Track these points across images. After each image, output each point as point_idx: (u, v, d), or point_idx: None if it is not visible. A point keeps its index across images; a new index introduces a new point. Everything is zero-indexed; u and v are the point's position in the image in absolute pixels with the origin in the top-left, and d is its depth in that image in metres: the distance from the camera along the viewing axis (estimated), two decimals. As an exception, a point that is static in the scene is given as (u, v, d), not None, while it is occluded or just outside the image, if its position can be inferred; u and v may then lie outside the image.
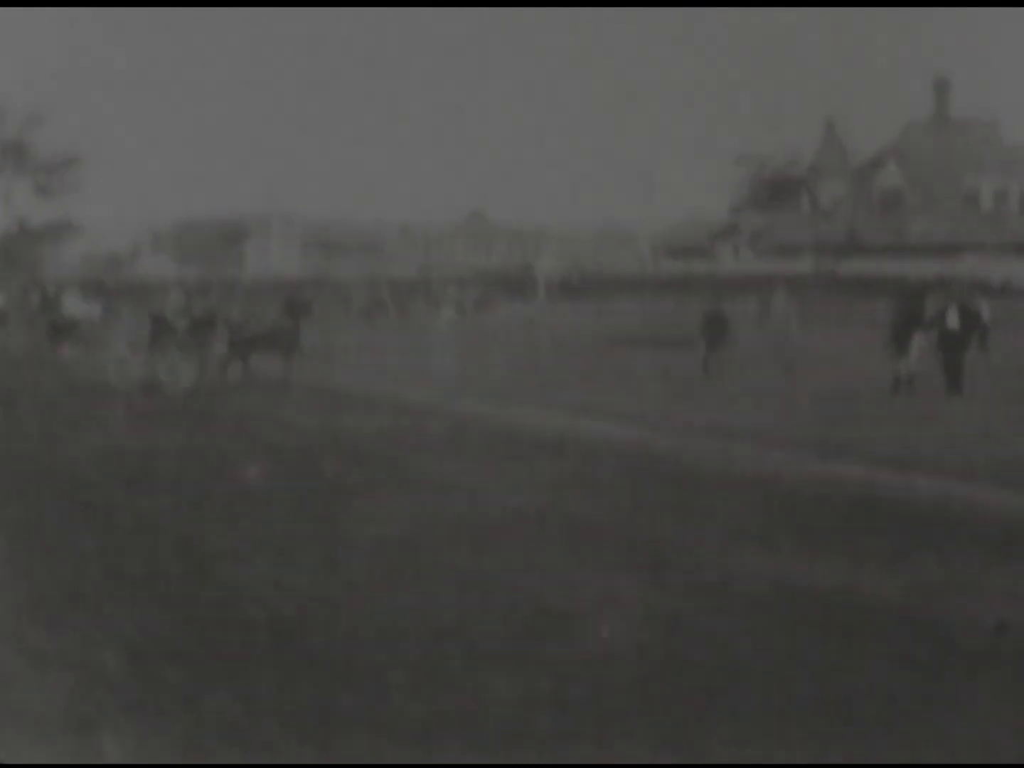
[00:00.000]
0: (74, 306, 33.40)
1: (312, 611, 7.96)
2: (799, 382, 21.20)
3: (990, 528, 10.35)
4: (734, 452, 14.32)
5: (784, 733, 5.98)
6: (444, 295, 34.06)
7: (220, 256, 49.39)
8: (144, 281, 43.90)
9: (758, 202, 44.97)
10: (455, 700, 6.39)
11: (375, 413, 18.13)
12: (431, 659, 7.02)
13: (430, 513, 10.90)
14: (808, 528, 10.27)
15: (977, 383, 19.70)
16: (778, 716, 6.18)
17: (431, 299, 37.77)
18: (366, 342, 31.01)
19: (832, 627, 7.57)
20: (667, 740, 5.92)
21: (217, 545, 9.78)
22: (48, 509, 11.27)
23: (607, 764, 5.75)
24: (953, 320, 19.96)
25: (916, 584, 8.49)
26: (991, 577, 8.70)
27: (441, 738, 5.95)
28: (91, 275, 43.48)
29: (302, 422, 17.30)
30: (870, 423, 16.54)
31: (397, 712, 6.25)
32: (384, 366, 24.99)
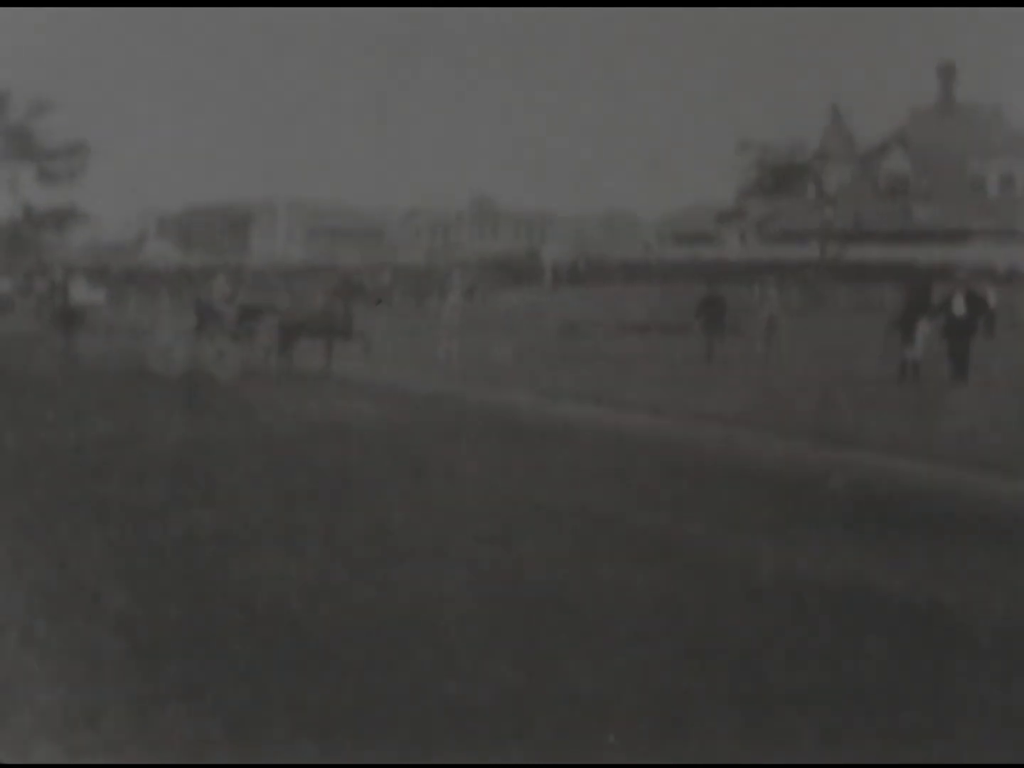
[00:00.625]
0: (81, 292, 33.41)
1: (318, 601, 7.97)
2: (805, 370, 21.18)
3: (997, 516, 10.36)
4: (739, 439, 14.33)
5: (790, 724, 6.00)
6: (450, 281, 33.92)
7: (225, 243, 49.33)
8: (150, 267, 43.87)
9: (764, 188, 44.82)
10: (462, 692, 6.41)
11: (381, 400, 18.13)
12: (438, 650, 7.04)
13: (437, 502, 10.92)
14: (813, 515, 10.28)
15: (983, 370, 19.67)
16: (784, 707, 6.20)
17: (437, 285, 37.68)
18: (370, 328, 30.95)
19: (838, 617, 7.58)
20: (674, 730, 5.94)
21: (224, 534, 9.79)
22: (53, 498, 11.29)
23: (607, 764, 5.73)
24: (959, 307, 19.92)
25: (922, 572, 8.50)
26: (998, 566, 8.70)
27: (446, 733, 5.97)
28: (97, 261, 43.42)
29: (305, 409, 17.30)
30: (875, 410, 16.54)
31: (401, 705, 6.26)
32: (389, 352, 24.94)
